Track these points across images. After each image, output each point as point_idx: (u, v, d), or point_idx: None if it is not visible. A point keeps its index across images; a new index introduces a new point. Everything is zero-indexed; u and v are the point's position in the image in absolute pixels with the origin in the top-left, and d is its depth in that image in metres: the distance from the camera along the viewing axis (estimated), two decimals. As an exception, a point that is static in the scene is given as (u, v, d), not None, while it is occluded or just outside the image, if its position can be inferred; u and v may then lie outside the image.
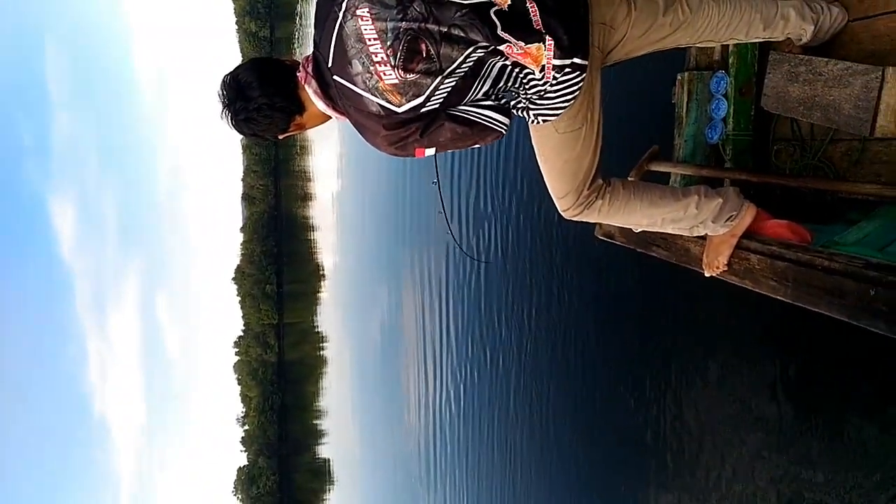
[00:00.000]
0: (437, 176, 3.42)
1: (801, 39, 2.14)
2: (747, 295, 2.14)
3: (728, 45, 2.44)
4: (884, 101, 1.94)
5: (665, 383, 4.66)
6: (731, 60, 2.43)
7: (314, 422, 48.09)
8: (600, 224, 2.65)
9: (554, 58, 1.65)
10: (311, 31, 1.76)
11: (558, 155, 1.90)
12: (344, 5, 1.59)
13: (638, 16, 1.79)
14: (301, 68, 1.73)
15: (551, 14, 1.63)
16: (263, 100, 1.68)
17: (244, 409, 57.99)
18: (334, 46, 1.63)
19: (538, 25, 1.63)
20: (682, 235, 2.27)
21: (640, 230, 2.36)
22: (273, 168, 57.05)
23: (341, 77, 1.65)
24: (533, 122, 1.85)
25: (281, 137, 1.84)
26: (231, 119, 1.71)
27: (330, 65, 1.65)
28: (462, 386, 10.96)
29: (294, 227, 53.46)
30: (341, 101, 1.70)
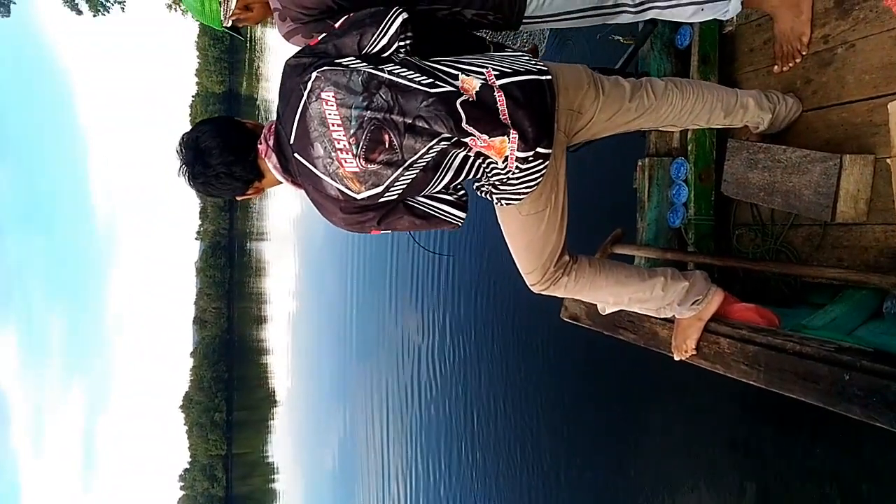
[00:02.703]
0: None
1: (758, 127, 2.20)
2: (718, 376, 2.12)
3: (687, 132, 2.50)
4: (843, 187, 1.98)
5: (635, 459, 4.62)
6: (690, 147, 2.48)
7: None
8: (565, 307, 2.63)
9: (518, 150, 1.64)
10: (276, 100, 1.72)
11: (522, 235, 1.90)
12: (310, 85, 1.57)
13: (605, 101, 1.81)
14: (262, 140, 1.69)
15: (519, 106, 1.63)
16: (222, 168, 1.66)
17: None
18: (297, 125, 1.60)
19: (504, 118, 1.62)
20: (649, 318, 2.26)
21: (607, 312, 2.35)
22: (227, 290, 56.90)
23: (302, 157, 1.62)
24: (497, 203, 1.84)
25: (239, 199, 1.81)
26: (189, 180, 1.68)
27: (291, 142, 1.62)
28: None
29: (247, 350, 53.06)
30: (300, 178, 1.67)
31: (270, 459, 47.61)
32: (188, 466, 57.52)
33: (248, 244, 58.59)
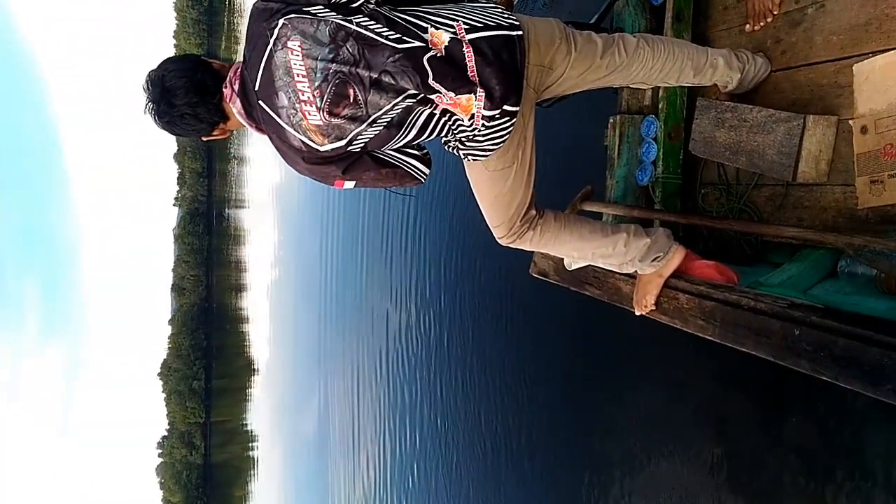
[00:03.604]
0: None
1: (727, 87, 2.22)
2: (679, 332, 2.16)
3: (658, 91, 2.51)
4: (805, 147, 2.01)
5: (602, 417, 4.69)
6: (660, 105, 2.50)
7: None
8: (534, 262, 2.65)
9: (484, 108, 1.64)
10: (242, 44, 1.71)
11: (489, 190, 1.91)
12: (276, 32, 1.55)
13: (577, 57, 1.80)
14: (228, 83, 1.67)
15: (488, 63, 1.62)
16: (187, 109, 1.65)
17: (167, 516, 55.10)
18: (262, 72, 1.58)
19: (472, 74, 1.61)
20: (613, 274, 2.29)
21: (573, 268, 2.38)
22: (206, 258, 56.48)
23: (266, 105, 1.60)
24: (464, 159, 1.85)
25: (205, 139, 1.80)
26: (154, 117, 1.67)
27: (256, 89, 1.60)
28: (404, 481, 10.64)
29: (225, 319, 52.69)
30: (264, 125, 1.66)
31: (249, 427, 47.59)
32: (166, 434, 57.63)
33: (226, 211, 58.06)
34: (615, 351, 4.47)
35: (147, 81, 1.66)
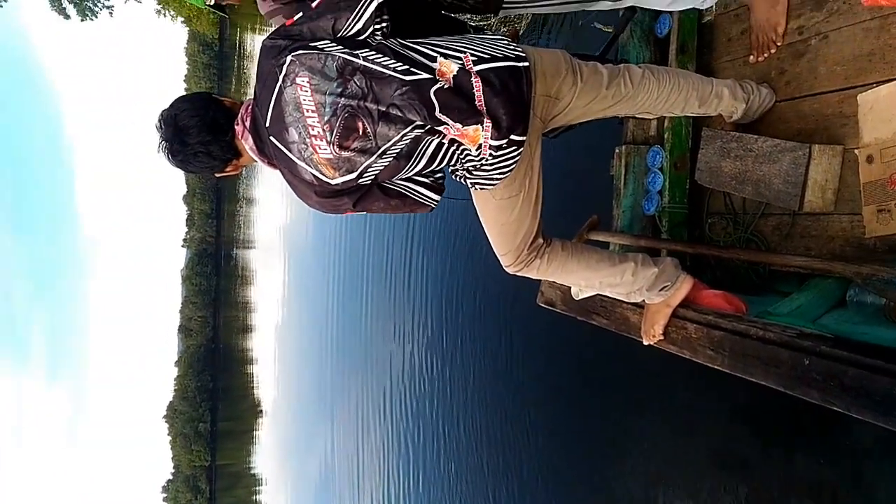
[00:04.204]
0: None
1: (732, 117, 2.24)
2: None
3: (663, 121, 2.53)
4: (811, 176, 2.01)
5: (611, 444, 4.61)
6: (666, 136, 2.52)
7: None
8: (542, 292, 2.65)
9: (491, 138, 1.65)
10: (253, 80, 1.74)
11: (496, 219, 1.92)
12: (285, 69, 1.58)
13: (583, 87, 1.82)
14: (240, 120, 1.70)
15: (495, 93, 1.63)
16: (200, 147, 1.68)
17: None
18: (273, 108, 1.61)
19: (480, 104, 1.63)
20: (621, 303, 2.28)
21: (580, 297, 2.36)
22: (213, 298, 56.48)
23: (277, 141, 1.63)
24: (471, 188, 1.86)
25: (218, 175, 1.82)
26: (168, 156, 1.70)
27: (267, 125, 1.63)
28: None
29: (232, 360, 52.53)
30: (276, 160, 1.68)
31: (255, 470, 46.96)
32: (171, 477, 56.58)
33: (234, 252, 58.25)
34: (623, 381, 4.43)
35: (160, 121, 1.69)
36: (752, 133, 2.22)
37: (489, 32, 2.08)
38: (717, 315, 1.99)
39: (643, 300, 2.15)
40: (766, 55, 2.24)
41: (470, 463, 7.47)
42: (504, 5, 2.11)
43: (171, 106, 1.71)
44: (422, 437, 9.51)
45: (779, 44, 2.19)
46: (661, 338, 2.14)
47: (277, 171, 1.74)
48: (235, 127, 1.70)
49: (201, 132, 1.67)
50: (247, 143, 1.70)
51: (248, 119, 1.69)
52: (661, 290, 2.09)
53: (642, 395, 4.24)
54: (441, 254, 8.61)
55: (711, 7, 2.36)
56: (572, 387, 5.25)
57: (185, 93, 1.86)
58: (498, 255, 2.02)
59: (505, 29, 5.09)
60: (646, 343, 2.20)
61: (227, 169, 1.79)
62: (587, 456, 4.97)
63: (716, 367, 1.96)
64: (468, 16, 2.34)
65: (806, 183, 2.02)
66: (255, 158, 1.73)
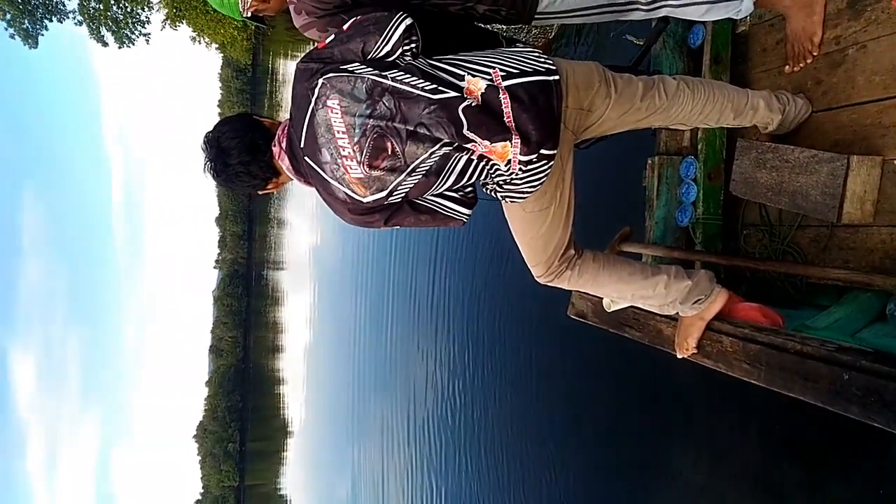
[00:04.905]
0: None
1: (767, 128, 2.21)
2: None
3: (697, 132, 2.51)
4: (849, 188, 1.97)
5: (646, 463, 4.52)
6: (700, 147, 2.49)
7: None
8: (573, 303, 2.63)
9: (520, 154, 1.66)
10: (284, 104, 1.78)
11: (527, 230, 1.93)
12: (316, 92, 1.63)
13: (616, 99, 1.82)
14: (276, 142, 1.77)
15: (524, 109, 1.65)
16: (240, 168, 1.76)
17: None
18: (306, 130, 1.66)
19: (509, 120, 1.64)
20: (654, 316, 2.25)
21: (612, 309, 2.34)
22: (244, 319, 57.11)
23: (311, 161, 1.68)
24: (502, 200, 1.88)
25: (260, 193, 1.90)
26: (213, 175, 1.79)
27: (302, 146, 1.69)
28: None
29: (262, 380, 52.96)
30: (311, 179, 1.74)
31: (283, 491, 46.97)
32: (200, 498, 56.81)
33: (265, 273, 58.89)
34: (657, 398, 4.35)
35: (205, 142, 1.78)
36: (789, 144, 2.18)
37: (521, 44, 2.09)
38: (753, 328, 1.96)
39: (677, 313, 2.12)
40: (802, 65, 2.21)
41: (495, 484, 7.39)
42: (536, 16, 2.12)
43: (215, 128, 1.79)
44: (446, 459, 9.45)
45: (815, 54, 2.17)
46: (695, 351, 2.11)
47: (313, 189, 1.80)
48: (273, 148, 1.77)
49: (241, 153, 1.75)
50: (283, 164, 1.76)
51: (285, 140, 1.75)
52: (694, 303, 2.06)
53: (677, 414, 4.17)
54: (466, 268, 8.62)
55: (746, 17, 2.34)
56: (603, 405, 5.18)
57: (218, 118, 1.93)
58: (529, 266, 2.02)
59: (538, 40, 5.10)
60: (679, 356, 2.17)
61: (269, 186, 1.86)
62: (620, 478, 4.89)
63: (752, 381, 1.93)
64: (501, 27, 2.35)
65: (844, 194, 1.98)
66: (293, 177, 1.80)
